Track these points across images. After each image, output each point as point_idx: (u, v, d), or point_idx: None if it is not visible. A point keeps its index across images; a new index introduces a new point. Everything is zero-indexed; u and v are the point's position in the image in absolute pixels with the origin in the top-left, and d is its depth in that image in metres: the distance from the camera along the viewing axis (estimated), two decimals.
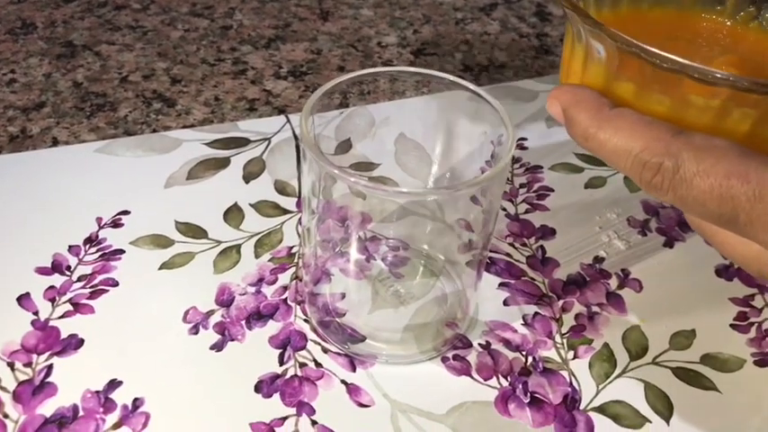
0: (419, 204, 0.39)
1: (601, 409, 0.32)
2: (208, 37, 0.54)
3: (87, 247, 0.37)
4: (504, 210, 0.41)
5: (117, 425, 0.30)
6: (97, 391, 0.31)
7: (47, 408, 0.30)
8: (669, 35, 0.24)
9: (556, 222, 0.41)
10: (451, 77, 0.33)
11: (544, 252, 0.39)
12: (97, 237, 0.38)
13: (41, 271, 0.36)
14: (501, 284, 0.37)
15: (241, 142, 0.45)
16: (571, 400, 0.32)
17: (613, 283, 0.37)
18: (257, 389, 0.32)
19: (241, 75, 0.51)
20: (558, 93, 0.26)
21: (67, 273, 0.36)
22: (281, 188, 0.42)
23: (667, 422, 0.31)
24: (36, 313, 0.34)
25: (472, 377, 0.33)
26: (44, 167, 0.42)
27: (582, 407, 0.32)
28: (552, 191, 0.43)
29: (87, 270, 0.36)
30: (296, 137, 0.45)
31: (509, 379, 0.33)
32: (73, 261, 0.36)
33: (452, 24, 0.59)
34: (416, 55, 0.54)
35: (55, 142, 0.44)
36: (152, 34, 0.54)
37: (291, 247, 0.38)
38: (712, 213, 0.23)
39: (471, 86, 0.32)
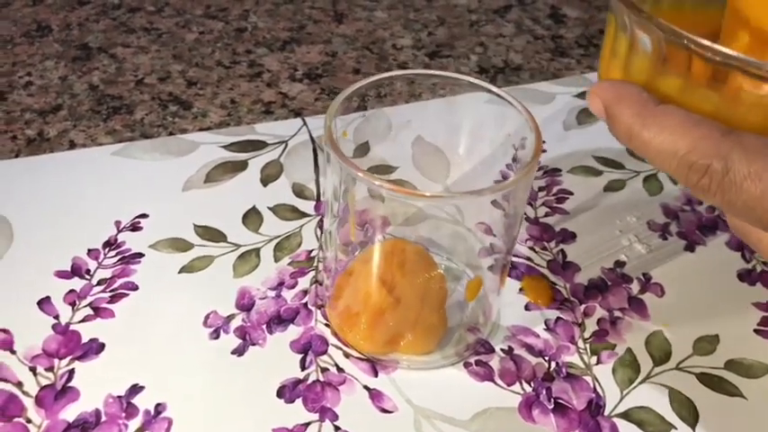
0: (438, 208, 0.38)
1: (625, 415, 0.31)
2: (223, 39, 0.54)
3: (107, 250, 0.37)
4: (524, 213, 0.41)
5: (140, 430, 0.30)
6: (119, 396, 0.31)
7: (69, 413, 0.30)
8: (711, 38, 0.24)
9: (576, 226, 0.40)
10: (481, 82, 0.32)
11: (565, 256, 0.39)
12: (116, 240, 0.38)
13: (61, 275, 0.36)
14: (522, 289, 0.37)
15: (258, 145, 0.44)
16: (595, 406, 0.32)
17: (635, 287, 0.37)
18: (279, 394, 0.31)
19: (257, 77, 0.51)
20: (600, 89, 0.25)
21: (87, 276, 0.36)
22: (299, 191, 0.42)
23: (693, 428, 0.31)
24: (57, 317, 0.34)
25: (495, 383, 0.32)
26: (62, 171, 0.42)
27: (606, 413, 0.31)
28: (571, 194, 0.43)
29: (107, 274, 0.36)
30: (313, 140, 0.45)
31: (532, 384, 0.32)
32: (92, 265, 0.36)
33: (467, 26, 0.59)
34: (431, 57, 0.54)
35: (72, 145, 0.44)
36: (167, 36, 0.54)
37: (311, 251, 0.38)
38: (762, 219, 0.22)
39: (494, 89, 0.32)
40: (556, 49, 0.56)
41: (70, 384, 0.31)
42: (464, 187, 0.40)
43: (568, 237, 0.40)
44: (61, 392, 0.31)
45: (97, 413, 0.30)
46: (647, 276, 0.38)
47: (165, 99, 0.48)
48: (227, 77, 0.50)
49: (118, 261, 0.37)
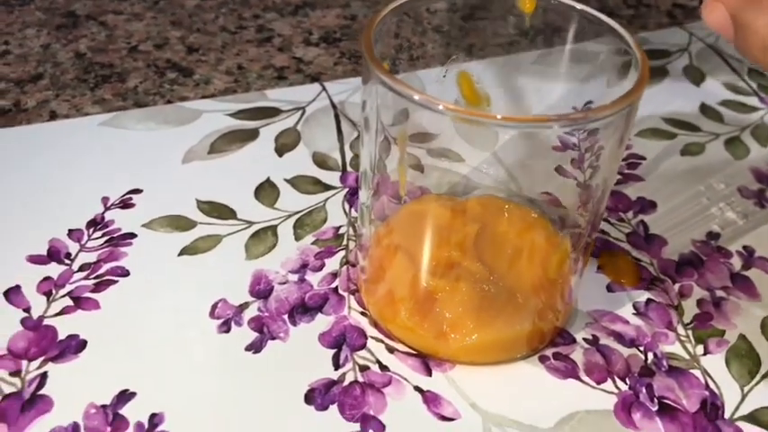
0: (487, 175, 0.32)
1: (752, 419, 0.25)
2: (227, 5, 0.48)
3: (91, 230, 0.31)
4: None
5: None
6: (104, 406, 0.24)
7: (39, 427, 0.23)
8: None
9: (654, 194, 0.34)
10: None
11: (646, 228, 0.32)
12: (103, 219, 0.31)
13: (35, 260, 0.29)
14: (600, 267, 0.30)
15: (270, 112, 0.38)
16: (712, 407, 0.25)
17: (736, 262, 0.30)
18: (308, 399, 0.25)
19: (267, 42, 0.44)
20: None
21: (67, 261, 0.29)
22: (321, 161, 0.35)
23: None
24: (27, 310, 0.27)
25: (581, 380, 0.26)
26: (40, 143, 0.35)
27: (727, 415, 0.25)
28: (644, 159, 0.36)
29: (91, 258, 0.29)
30: (334, 105, 0.39)
31: (628, 381, 0.26)
32: (74, 247, 0.30)
33: None
34: (466, 20, 0.48)
35: (53, 116, 0.37)
36: (164, 3, 0.48)
37: (338, 228, 0.31)
38: None
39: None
40: (602, 11, 0.50)
41: (41, 392, 0.24)
42: (516, 153, 0.34)
43: (647, 206, 0.33)
44: (29, 402, 0.24)
45: (75, 427, 0.23)
46: (749, 250, 0.31)
47: (163, 66, 0.42)
48: (233, 43, 0.44)
49: (105, 243, 0.30)
